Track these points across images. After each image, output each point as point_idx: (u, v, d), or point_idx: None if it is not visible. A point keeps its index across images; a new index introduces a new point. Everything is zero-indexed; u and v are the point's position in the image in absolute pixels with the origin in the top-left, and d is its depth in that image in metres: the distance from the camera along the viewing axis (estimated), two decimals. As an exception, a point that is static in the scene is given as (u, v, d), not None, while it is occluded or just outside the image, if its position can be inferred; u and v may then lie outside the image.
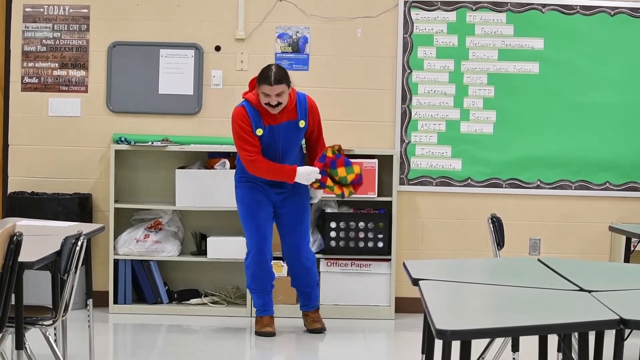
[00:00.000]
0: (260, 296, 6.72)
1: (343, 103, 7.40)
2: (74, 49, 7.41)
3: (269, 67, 6.46)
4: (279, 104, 6.39)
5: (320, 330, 6.78)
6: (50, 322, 4.81)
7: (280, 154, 6.52)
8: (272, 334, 6.66)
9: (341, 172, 6.55)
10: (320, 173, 6.54)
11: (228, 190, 7.08)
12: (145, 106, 7.43)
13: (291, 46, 7.39)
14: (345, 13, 7.42)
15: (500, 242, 5.55)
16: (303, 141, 6.72)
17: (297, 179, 6.49)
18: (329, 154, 6.53)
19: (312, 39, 7.41)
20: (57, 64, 7.41)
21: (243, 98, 6.54)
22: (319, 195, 6.76)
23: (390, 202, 7.28)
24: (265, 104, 6.39)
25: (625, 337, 3.45)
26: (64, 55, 7.41)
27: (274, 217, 6.67)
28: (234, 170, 7.13)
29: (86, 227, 5.43)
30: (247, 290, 6.91)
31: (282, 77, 6.36)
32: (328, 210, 7.28)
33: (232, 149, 7.21)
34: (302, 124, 6.54)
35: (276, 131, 6.49)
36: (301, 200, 6.67)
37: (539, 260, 4.76)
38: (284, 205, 6.63)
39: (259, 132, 6.45)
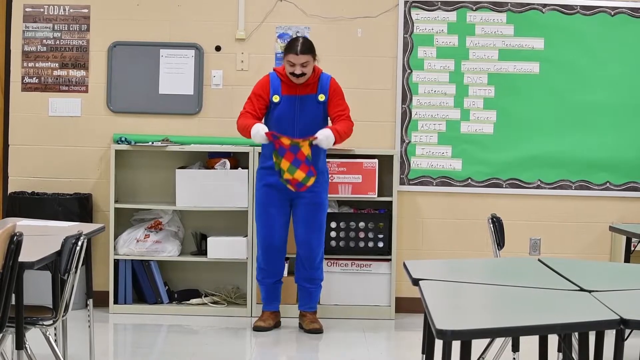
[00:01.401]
0: (264, 288, 6.81)
1: (343, 103, 7.39)
2: (74, 49, 7.41)
3: (296, 37, 6.76)
4: (303, 74, 6.54)
5: (318, 330, 6.78)
6: (51, 322, 4.80)
7: (298, 128, 6.58)
8: (265, 329, 6.70)
9: (284, 164, 6.47)
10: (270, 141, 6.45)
11: (228, 190, 7.09)
12: (145, 106, 7.43)
13: (291, 46, 7.38)
14: (346, 13, 7.42)
15: (500, 242, 5.55)
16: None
17: (252, 136, 6.48)
18: (287, 142, 6.41)
19: (313, 39, 7.39)
20: (57, 64, 7.41)
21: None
22: (327, 139, 6.54)
23: (391, 202, 7.28)
24: (290, 73, 6.54)
25: (625, 337, 3.45)
26: (64, 55, 7.41)
27: (290, 211, 6.71)
28: (235, 171, 7.17)
29: (86, 227, 5.42)
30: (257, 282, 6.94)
31: (308, 48, 6.57)
32: (328, 210, 7.26)
33: (232, 149, 7.23)
34: (321, 97, 6.62)
35: (294, 102, 6.59)
36: (318, 196, 6.70)
37: (539, 260, 4.76)
38: (300, 199, 6.67)
39: (276, 98, 6.59)
